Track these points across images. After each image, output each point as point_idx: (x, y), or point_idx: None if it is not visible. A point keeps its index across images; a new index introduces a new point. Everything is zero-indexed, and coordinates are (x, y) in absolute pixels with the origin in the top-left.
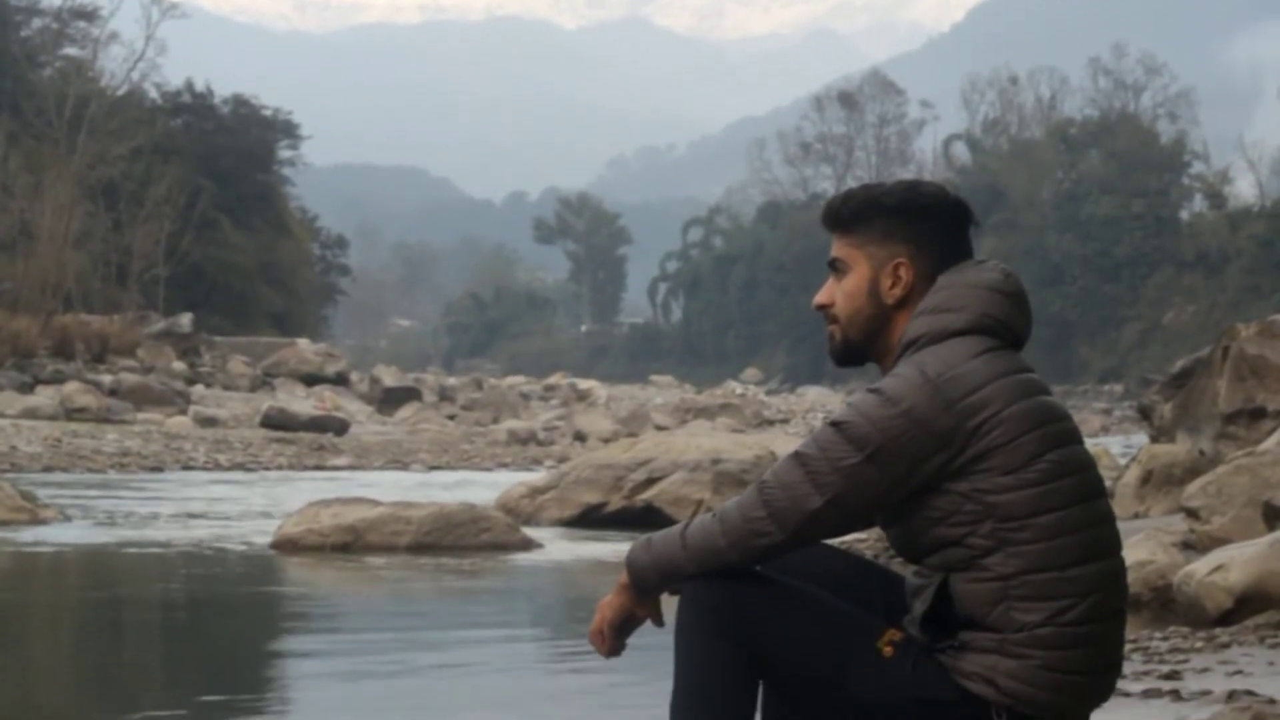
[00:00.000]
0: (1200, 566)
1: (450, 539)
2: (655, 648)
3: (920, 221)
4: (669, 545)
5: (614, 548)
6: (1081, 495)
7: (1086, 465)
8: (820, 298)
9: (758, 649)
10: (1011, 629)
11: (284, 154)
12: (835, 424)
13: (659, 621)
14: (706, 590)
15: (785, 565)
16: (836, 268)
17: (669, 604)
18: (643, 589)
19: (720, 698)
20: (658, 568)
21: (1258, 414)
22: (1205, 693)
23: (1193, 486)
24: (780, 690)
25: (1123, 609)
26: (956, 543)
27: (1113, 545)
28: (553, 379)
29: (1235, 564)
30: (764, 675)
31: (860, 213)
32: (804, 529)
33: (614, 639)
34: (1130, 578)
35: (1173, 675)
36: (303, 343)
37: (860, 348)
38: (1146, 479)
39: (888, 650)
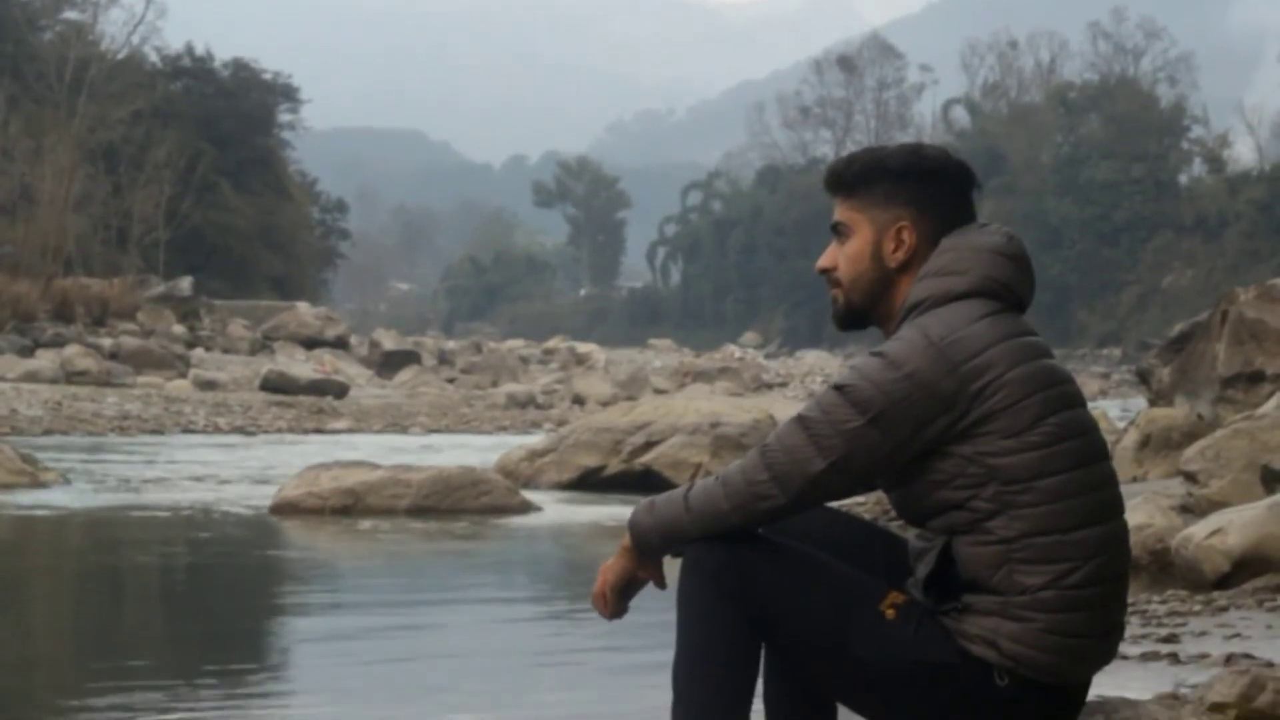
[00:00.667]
0: (1198, 530)
1: (449, 502)
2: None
3: (923, 185)
4: (672, 508)
5: (612, 511)
6: (1084, 458)
7: (1089, 428)
8: (823, 261)
9: (760, 612)
10: (1014, 592)
11: (284, 118)
12: (838, 387)
13: (661, 584)
14: (709, 553)
15: (787, 528)
16: (839, 231)
17: (671, 567)
18: (645, 551)
19: (722, 660)
20: (660, 530)
21: (1256, 378)
22: (1203, 656)
23: (1191, 450)
24: (782, 652)
25: (1125, 572)
26: (959, 506)
27: (1115, 508)
28: (551, 343)
29: (1233, 527)
30: (766, 637)
31: (863, 176)
32: (807, 492)
33: (616, 602)
34: None
35: (1171, 639)
36: (302, 306)
37: (863, 311)
38: (1145, 442)
39: (890, 613)
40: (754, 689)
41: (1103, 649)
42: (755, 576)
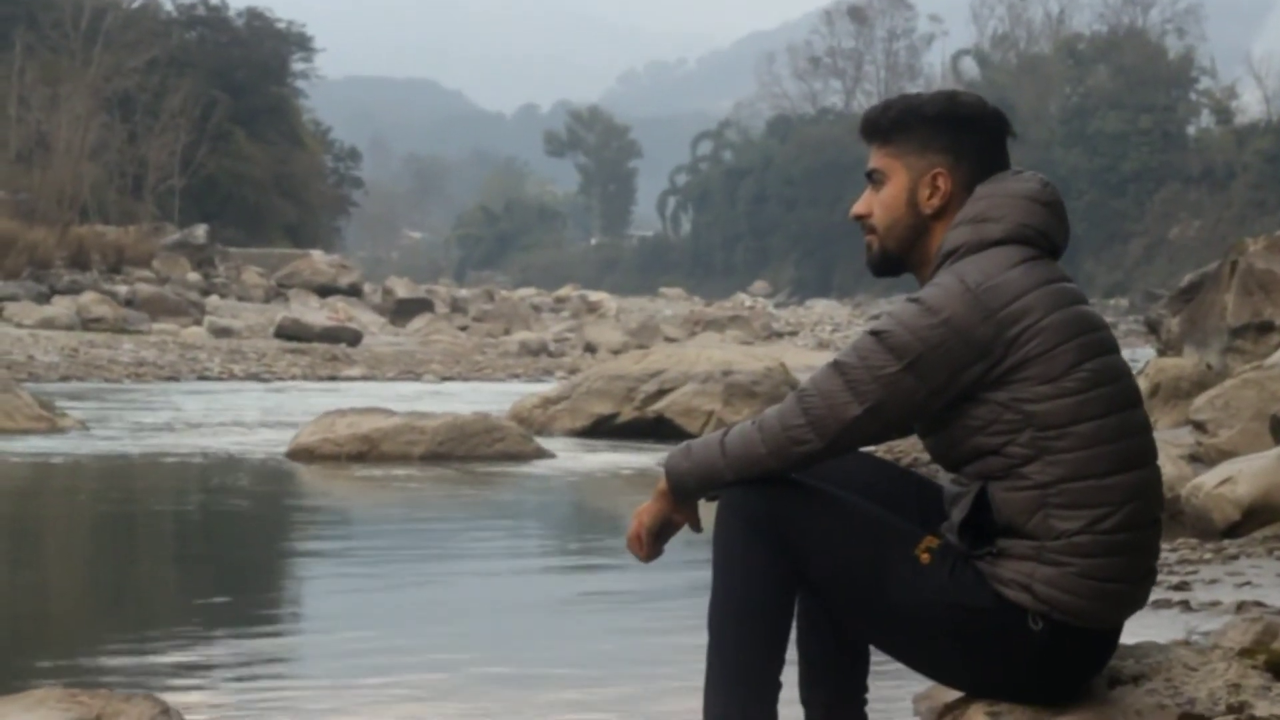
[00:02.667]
0: (1208, 479)
1: (464, 449)
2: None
3: (959, 132)
4: (708, 452)
5: (625, 458)
6: (1119, 404)
7: (1123, 374)
8: (858, 208)
9: (796, 555)
10: (1049, 536)
11: (297, 66)
12: (875, 333)
13: (697, 527)
14: (745, 497)
15: (823, 473)
16: (874, 178)
17: (707, 510)
18: (681, 495)
19: (758, 603)
20: (697, 474)
21: (1265, 328)
22: (1214, 603)
23: (1200, 400)
24: (817, 596)
25: (1158, 517)
26: (995, 451)
27: (1149, 454)
28: (563, 291)
29: (1243, 477)
30: (802, 581)
31: (900, 122)
32: (843, 437)
33: (652, 544)
34: None
35: (1182, 586)
36: (316, 254)
37: (898, 258)
38: (1154, 392)
39: (925, 557)
40: (789, 632)
41: (1136, 594)
42: (791, 520)
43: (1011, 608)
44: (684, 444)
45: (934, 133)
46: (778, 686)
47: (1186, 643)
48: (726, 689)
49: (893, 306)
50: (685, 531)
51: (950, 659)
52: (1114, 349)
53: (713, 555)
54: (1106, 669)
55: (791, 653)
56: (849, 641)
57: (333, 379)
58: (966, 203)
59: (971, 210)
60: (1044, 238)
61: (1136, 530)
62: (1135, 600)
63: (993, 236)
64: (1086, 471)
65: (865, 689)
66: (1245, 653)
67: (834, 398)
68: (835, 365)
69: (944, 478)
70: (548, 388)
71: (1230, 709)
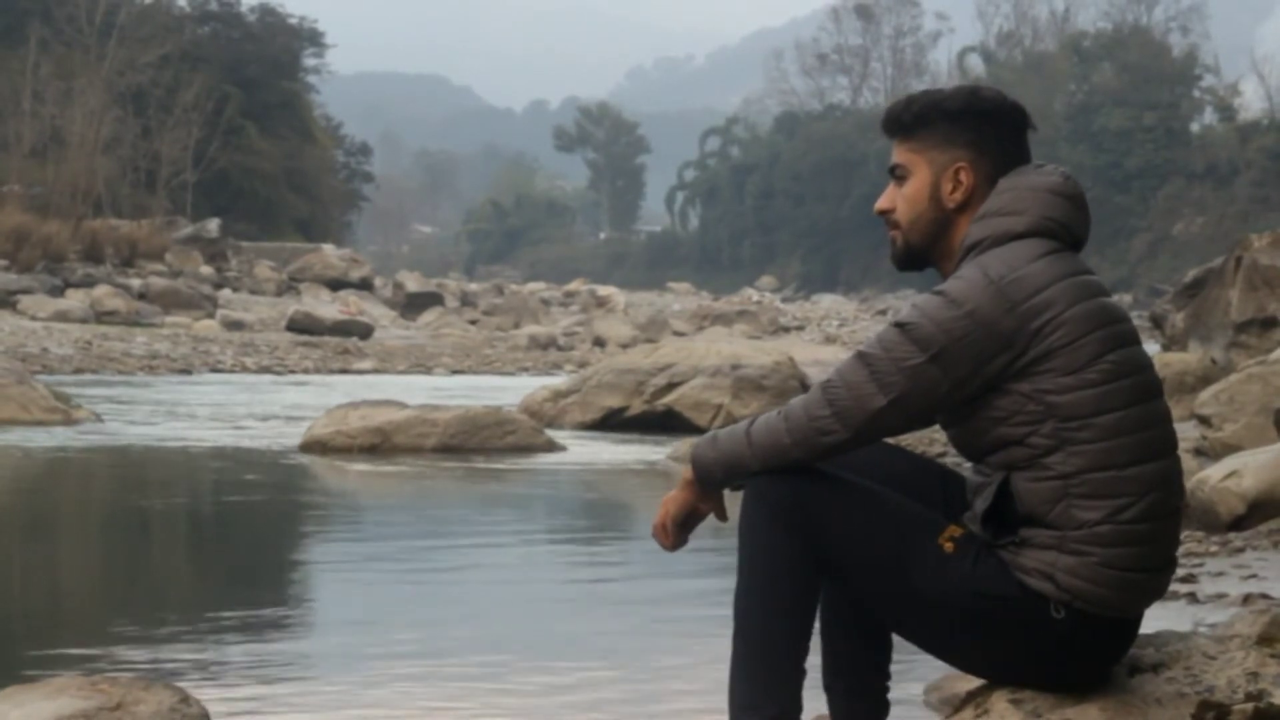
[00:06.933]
0: (1214, 472)
1: (476, 441)
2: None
3: (981, 126)
4: (734, 442)
5: (635, 450)
6: (1141, 396)
7: (1145, 366)
8: (881, 203)
9: (820, 544)
10: (1071, 526)
11: (309, 62)
12: (900, 325)
13: (723, 517)
14: (771, 487)
15: (847, 463)
16: (897, 174)
17: (732, 500)
18: (707, 484)
19: (783, 592)
20: (723, 464)
21: (1269, 323)
22: (1221, 596)
23: (1205, 394)
24: (842, 584)
25: (1179, 507)
26: (1018, 442)
27: (1170, 445)
28: (572, 285)
29: (1249, 470)
30: (826, 570)
31: (922, 117)
32: (867, 428)
33: (677, 534)
34: None
35: (1189, 579)
36: (327, 248)
37: (922, 252)
38: None
39: (948, 546)
40: (814, 619)
41: (1157, 583)
42: (816, 509)
43: (1034, 597)
44: (710, 434)
45: (956, 127)
46: (803, 673)
47: (1195, 633)
48: (752, 676)
49: (916, 299)
50: (710, 521)
51: (973, 647)
52: (1136, 341)
53: (738, 544)
54: (1127, 657)
55: (815, 640)
56: (872, 629)
57: (344, 372)
58: (989, 196)
59: (994, 204)
60: (1066, 230)
61: (1157, 520)
62: (1156, 589)
63: (1015, 229)
64: (1108, 462)
65: (888, 676)
66: (1264, 641)
67: (859, 389)
68: (860, 356)
69: (966, 468)
70: (558, 381)
71: (1249, 697)
